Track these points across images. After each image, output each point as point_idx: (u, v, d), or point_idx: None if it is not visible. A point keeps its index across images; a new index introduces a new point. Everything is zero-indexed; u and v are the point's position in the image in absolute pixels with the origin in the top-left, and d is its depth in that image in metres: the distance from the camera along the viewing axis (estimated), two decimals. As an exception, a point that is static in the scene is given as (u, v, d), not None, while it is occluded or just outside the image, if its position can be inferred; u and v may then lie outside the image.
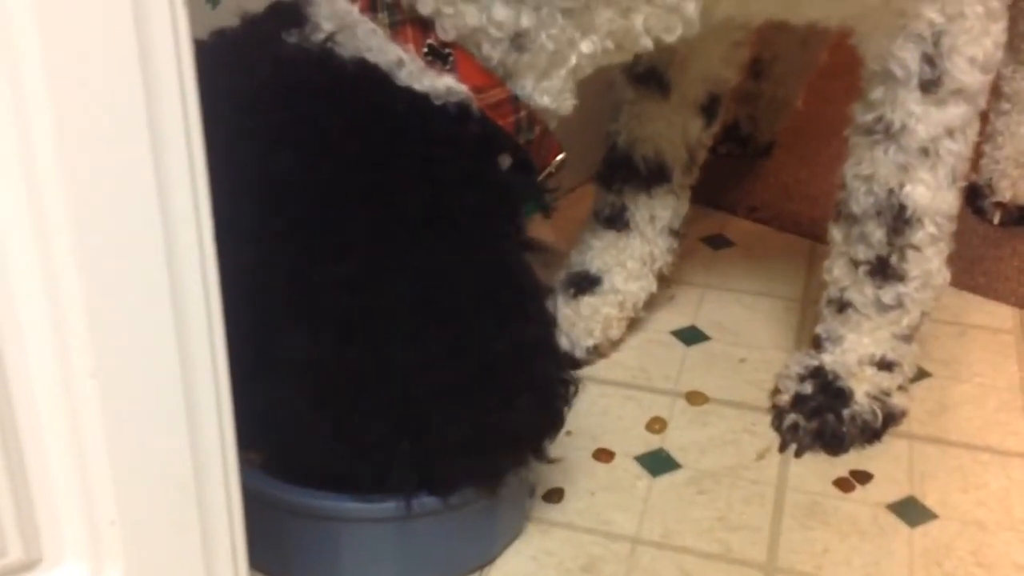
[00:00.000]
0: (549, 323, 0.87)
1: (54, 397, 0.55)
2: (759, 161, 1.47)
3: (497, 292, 0.82)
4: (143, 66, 0.51)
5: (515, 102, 0.84)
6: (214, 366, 0.58)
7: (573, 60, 0.84)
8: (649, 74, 1.08)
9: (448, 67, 0.80)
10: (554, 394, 0.87)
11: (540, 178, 0.90)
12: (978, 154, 1.32)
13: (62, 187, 0.51)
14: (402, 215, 0.78)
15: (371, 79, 0.78)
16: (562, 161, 0.91)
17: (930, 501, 0.99)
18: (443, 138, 0.79)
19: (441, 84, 0.79)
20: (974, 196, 1.36)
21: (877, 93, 0.96)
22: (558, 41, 0.82)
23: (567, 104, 0.87)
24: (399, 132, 0.78)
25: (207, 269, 0.56)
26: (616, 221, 1.13)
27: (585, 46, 0.83)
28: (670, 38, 0.86)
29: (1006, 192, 1.36)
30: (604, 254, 1.13)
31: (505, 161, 0.84)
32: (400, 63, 0.79)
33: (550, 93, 0.85)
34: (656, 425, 1.06)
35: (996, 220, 1.36)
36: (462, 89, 0.80)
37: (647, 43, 0.86)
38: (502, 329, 0.81)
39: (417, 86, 0.79)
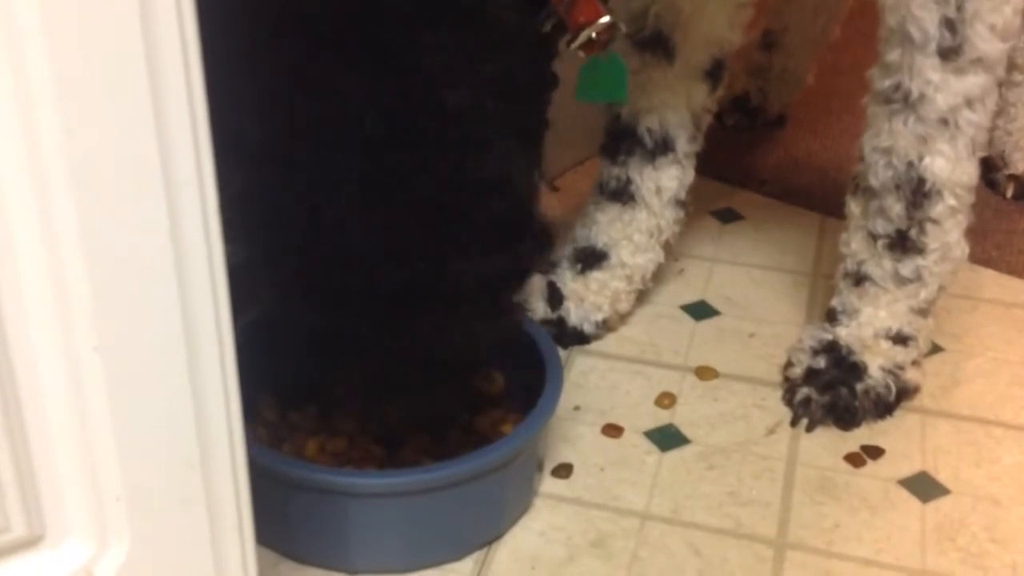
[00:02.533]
0: (502, 155, 0.76)
1: (57, 371, 0.54)
2: (769, 134, 1.46)
3: (417, 118, 0.72)
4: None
5: None
6: (219, 339, 0.57)
7: None
8: (654, 39, 1.06)
9: None
10: (506, 241, 0.77)
11: (576, 42, 0.81)
12: (990, 126, 1.31)
13: (64, 155, 0.49)
14: (314, 29, 0.70)
15: None
16: (608, 27, 0.81)
17: (943, 476, 0.98)
18: None
19: None
20: (987, 169, 1.34)
21: (894, 56, 0.95)
22: None
23: None
24: None
25: (212, 241, 0.54)
26: (621, 194, 1.12)
27: None
28: None
29: (1019, 164, 1.34)
30: (610, 228, 1.12)
31: None
32: None
33: None
34: (665, 400, 1.05)
35: (1009, 193, 1.35)
36: None
37: None
38: (426, 162, 0.72)
39: None
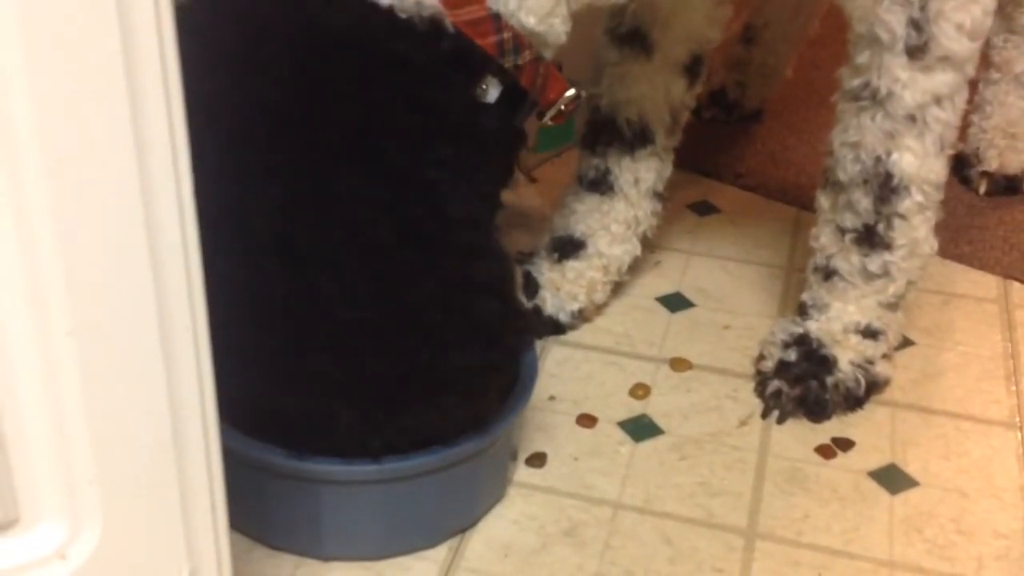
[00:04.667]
0: (494, 259, 0.83)
1: (30, 356, 0.54)
2: (746, 128, 1.47)
3: (423, 226, 0.78)
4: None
5: (497, 20, 0.79)
6: (193, 323, 0.57)
7: None
8: (633, 34, 1.07)
9: None
10: (497, 333, 0.83)
11: (547, 116, 0.87)
12: (966, 123, 1.32)
13: (37, 137, 0.49)
14: (330, 138, 0.75)
15: None
16: (574, 98, 0.87)
17: (912, 469, 0.99)
18: (393, 55, 0.75)
19: None
20: (961, 165, 1.35)
21: (863, 57, 0.96)
22: None
23: (557, 30, 0.83)
24: (338, 48, 0.75)
25: (186, 223, 0.55)
26: (600, 184, 1.12)
27: None
28: None
29: (993, 162, 1.36)
30: (588, 218, 1.13)
31: (492, 85, 0.80)
32: None
33: (536, 14, 0.81)
34: (639, 391, 1.06)
35: (982, 190, 1.36)
36: (433, 2, 0.76)
37: None
38: (431, 266, 0.78)
39: None
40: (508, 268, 0.85)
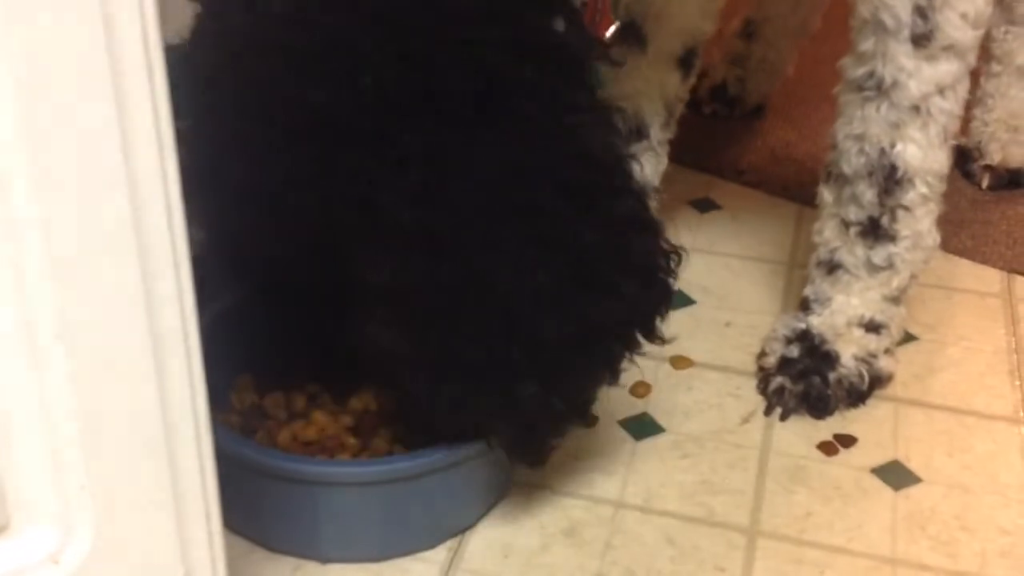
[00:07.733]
0: (637, 192, 0.81)
1: (18, 360, 0.54)
2: (747, 123, 1.46)
3: (575, 172, 0.75)
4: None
5: None
6: (183, 326, 0.56)
7: None
8: (626, 29, 1.07)
9: None
10: (657, 267, 0.81)
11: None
12: (968, 117, 1.31)
13: (22, 141, 0.49)
14: (455, 110, 0.71)
15: None
16: (617, 31, 0.86)
17: (914, 465, 0.98)
18: (486, 10, 0.72)
19: None
20: (963, 159, 1.34)
21: (867, 44, 0.95)
22: None
23: None
24: (433, 20, 0.71)
25: (175, 227, 0.54)
26: None
27: None
28: None
29: (995, 155, 1.34)
30: None
31: (560, 26, 0.77)
32: None
33: None
34: (640, 389, 1.05)
35: (985, 184, 1.35)
36: None
37: None
38: (589, 211, 0.75)
39: None
40: (647, 200, 0.83)
